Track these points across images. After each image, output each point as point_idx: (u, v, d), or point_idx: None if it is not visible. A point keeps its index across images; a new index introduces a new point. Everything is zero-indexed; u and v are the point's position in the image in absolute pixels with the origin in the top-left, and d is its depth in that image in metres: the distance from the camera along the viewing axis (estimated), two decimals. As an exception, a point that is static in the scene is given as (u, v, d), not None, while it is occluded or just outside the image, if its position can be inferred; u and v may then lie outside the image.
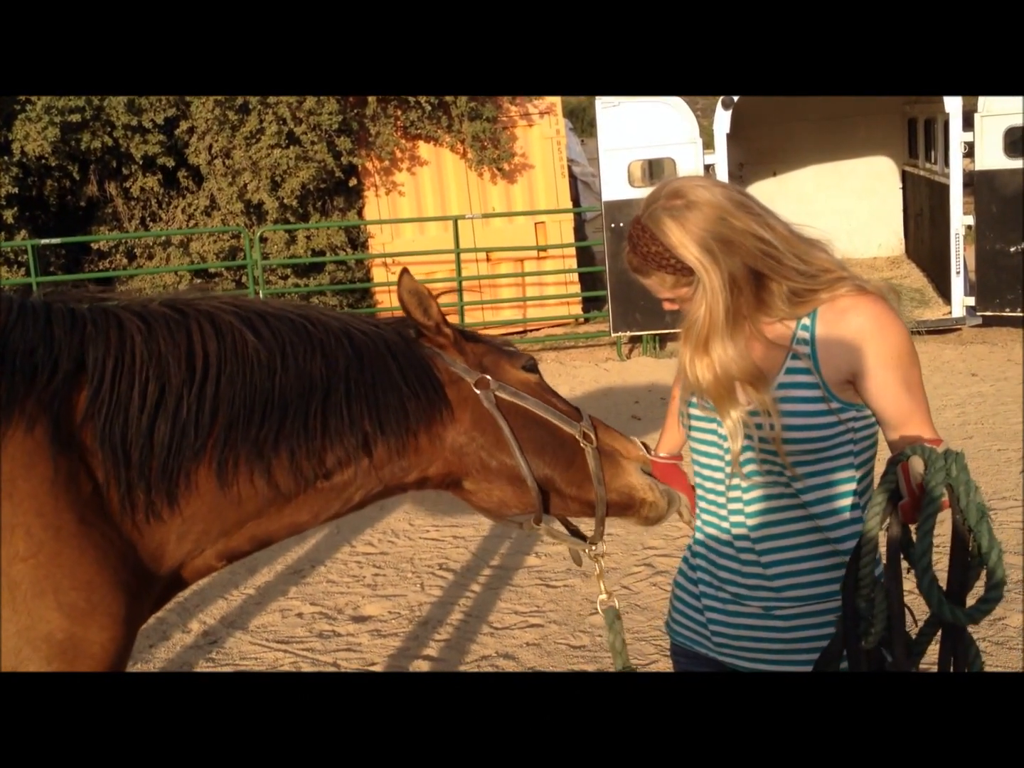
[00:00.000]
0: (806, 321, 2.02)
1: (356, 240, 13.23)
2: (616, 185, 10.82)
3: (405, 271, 2.22)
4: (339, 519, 2.26)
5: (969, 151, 10.54)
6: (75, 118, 11.85)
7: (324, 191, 12.94)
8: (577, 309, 13.38)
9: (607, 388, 10.14)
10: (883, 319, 1.98)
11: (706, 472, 2.18)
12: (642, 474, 2.33)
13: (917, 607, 1.84)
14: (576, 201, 14.09)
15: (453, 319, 2.39)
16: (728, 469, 2.11)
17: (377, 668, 4.68)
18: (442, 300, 2.30)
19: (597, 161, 11.27)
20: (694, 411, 2.17)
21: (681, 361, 2.08)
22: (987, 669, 4.14)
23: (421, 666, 4.69)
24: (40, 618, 1.79)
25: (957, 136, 10.46)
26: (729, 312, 1.98)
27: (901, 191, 14.04)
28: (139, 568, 1.96)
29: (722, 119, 10.75)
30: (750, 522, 2.10)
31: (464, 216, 12.35)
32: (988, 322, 10.92)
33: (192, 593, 5.57)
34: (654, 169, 11.10)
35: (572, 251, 13.28)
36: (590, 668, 4.53)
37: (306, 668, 4.72)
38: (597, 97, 10.88)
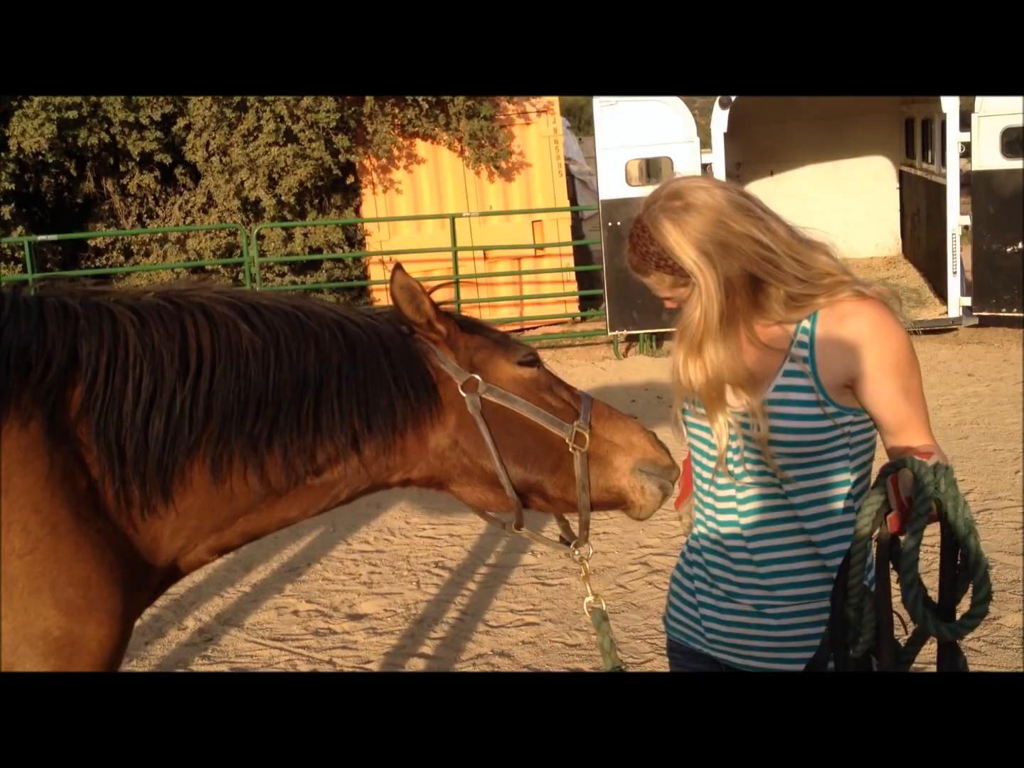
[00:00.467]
0: (806, 324, 2.02)
1: (353, 238, 13.23)
2: (613, 184, 10.81)
3: (398, 267, 2.21)
4: (334, 516, 2.27)
5: (966, 151, 10.54)
6: (72, 114, 11.83)
7: (321, 189, 12.93)
8: (574, 308, 13.38)
9: (604, 387, 10.14)
10: (883, 325, 1.97)
11: (700, 472, 2.19)
12: (635, 474, 2.28)
13: (907, 615, 1.84)
14: (573, 200, 14.08)
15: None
16: (720, 468, 2.11)
17: (373, 666, 4.68)
18: (439, 297, 2.28)
19: (594, 160, 11.27)
20: (688, 415, 2.17)
21: (674, 362, 2.07)
22: (985, 669, 4.16)
23: (417, 664, 4.69)
24: (37, 615, 1.79)
25: (954, 136, 10.46)
26: (724, 315, 1.98)
27: (898, 191, 14.04)
28: (135, 564, 1.96)
29: (720, 118, 10.74)
30: (743, 521, 2.10)
31: (461, 214, 12.35)
32: (984, 322, 10.93)
33: (188, 590, 5.57)
34: (651, 168, 11.10)
35: (569, 250, 13.28)
36: (586, 667, 4.53)
37: (302, 666, 4.72)
38: (595, 96, 10.87)
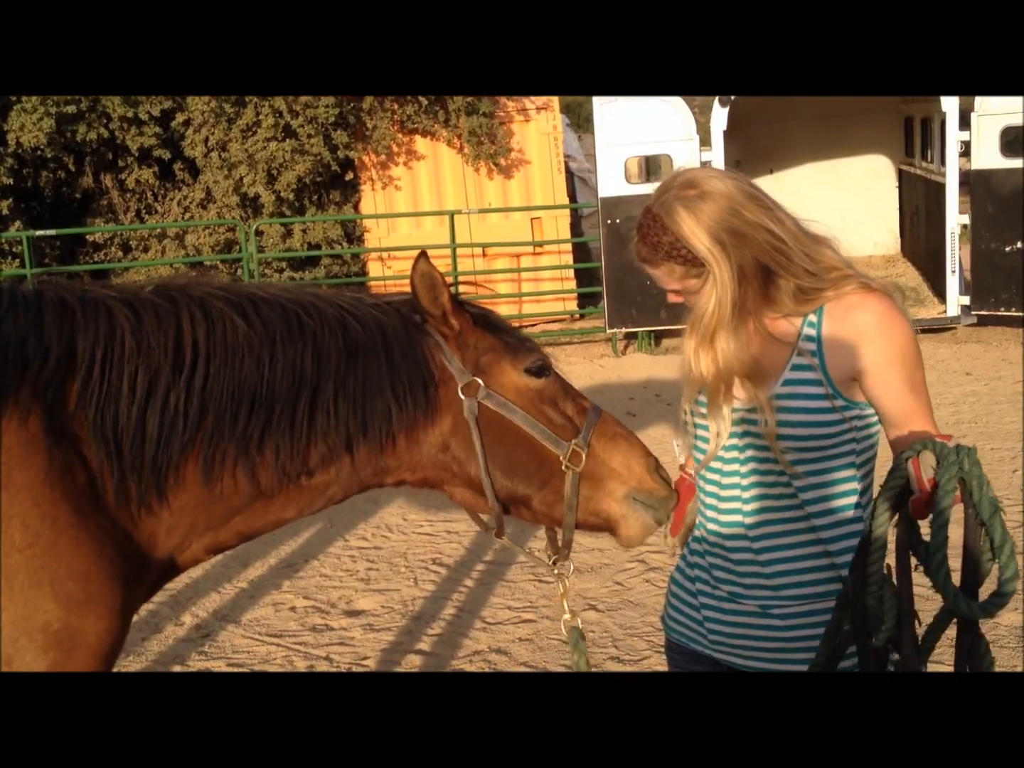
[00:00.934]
0: (813, 318, 2.02)
1: (352, 234, 13.23)
2: (613, 181, 10.81)
3: (423, 254, 2.13)
4: (332, 512, 2.27)
5: (965, 150, 10.55)
6: (70, 109, 11.82)
7: (320, 185, 12.93)
8: (573, 305, 13.38)
9: (602, 384, 10.14)
10: (889, 317, 1.97)
11: (704, 471, 2.17)
12: (627, 502, 2.22)
13: (921, 608, 1.84)
14: (572, 197, 14.08)
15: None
16: (725, 468, 2.10)
17: (369, 662, 4.69)
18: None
19: (594, 157, 11.27)
20: (695, 416, 2.16)
21: (685, 353, 2.05)
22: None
23: (413, 661, 4.69)
24: (37, 608, 1.79)
25: (953, 135, 10.46)
26: (736, 305, 1.97)
27: (897, 190, 14.04)
28: (133, 558, 1.96)
29: (719, 116, 10.74)
30: (747, 520, 2.08)
31: (460, 211, 12.35)
32: (983, 321, 10.94)
33: (185, 586, 5.57)
34: (651, 165, 11.10)
35: (568, 247, 13.28)
36: (583, 663, 4.53)
37: (298, 662, 4.73)
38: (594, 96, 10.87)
